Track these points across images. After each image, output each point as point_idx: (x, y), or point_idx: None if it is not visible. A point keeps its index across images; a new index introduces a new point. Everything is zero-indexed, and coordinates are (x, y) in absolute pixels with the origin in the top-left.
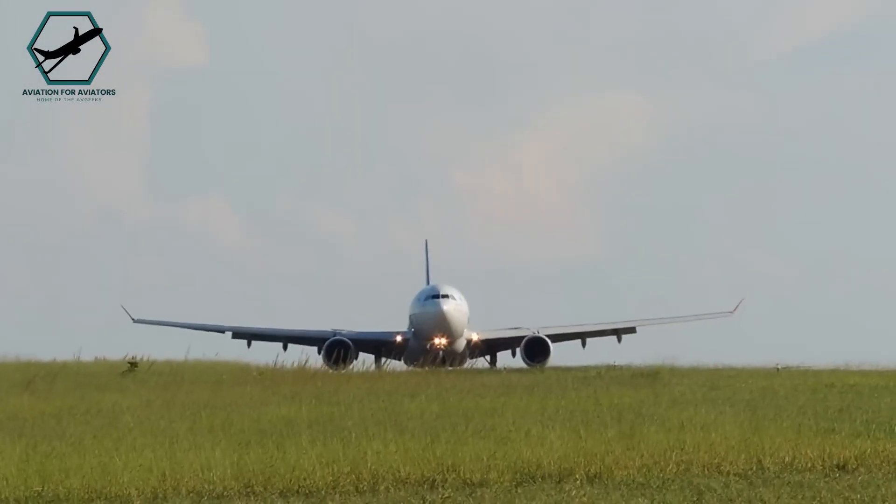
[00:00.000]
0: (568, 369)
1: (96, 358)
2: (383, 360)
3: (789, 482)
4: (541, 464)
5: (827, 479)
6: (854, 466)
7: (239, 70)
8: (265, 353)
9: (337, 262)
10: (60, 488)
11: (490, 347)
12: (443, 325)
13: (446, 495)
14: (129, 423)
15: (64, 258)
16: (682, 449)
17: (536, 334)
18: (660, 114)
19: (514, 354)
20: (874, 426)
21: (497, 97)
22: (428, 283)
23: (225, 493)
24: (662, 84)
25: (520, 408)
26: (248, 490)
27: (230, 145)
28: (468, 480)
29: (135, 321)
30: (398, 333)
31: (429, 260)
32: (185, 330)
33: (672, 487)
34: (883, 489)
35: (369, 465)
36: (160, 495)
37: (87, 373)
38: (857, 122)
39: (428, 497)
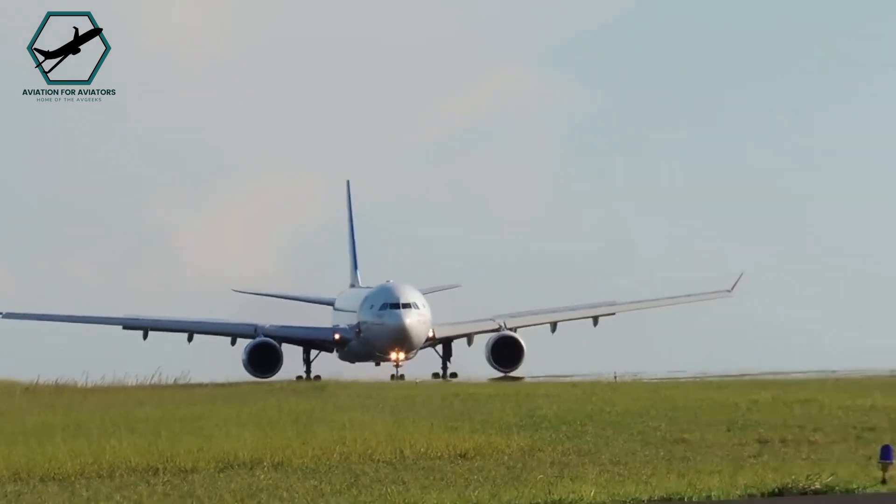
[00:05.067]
0: (260, 383)
1: None
2: (313, 354)
3: (424, 467)
4: (237, 455)
5: (452, 465)
6: (473, 455)
7: None
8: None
9: None
10: None
11: (444, 340)
12: (403, 340)
13: (166, 479)
14: None
15: None
16: (343, 443)
17: (505, 330)
18: None
19: (469, 342)
20: (488, 425)
21: None
22: (353, 237)
23: None
24: None
25: (222, 413)
26: (17, 477)
27: None
28: (182, 468)
29: (3, 316)
30: (335, 331)
31: (351, 202)
32: (60, 327)
33: (336, 472)
34: (493, 472)
35: (108, 457)
36: None
37: None
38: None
39: (152, 481)
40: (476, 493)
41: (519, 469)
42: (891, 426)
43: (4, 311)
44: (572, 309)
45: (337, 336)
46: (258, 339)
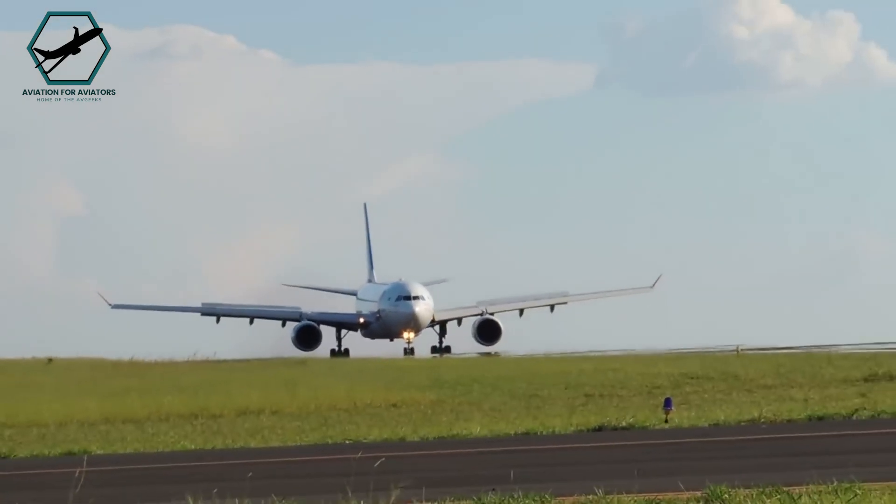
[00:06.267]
0: (263, 360)
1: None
2: (343, 332)
3: (369, 413)
4: (249, 406)
5: (387, 411)
6: (400, 405)
7: None
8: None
9: None
10: None
11: (441, 322)
12: (413, 323)
13: (203, 422)
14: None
15: None
16: (317, 398)
17: (487, 314)
18: None
19: (459, 324)
20: (410, 385)
21: None
22: (369, 245)
23: (94, 423)
24: None
25: (238, 379)
26: (106, 420)
27: None
28: (213, 415)
29: (113, 307)
30: (360, 316)
31: (368, 223)
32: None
33: (312, 417)
34: (414, 416)
35: (165, 408)
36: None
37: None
38: None
39: (194, 423)
40: (402, 430)
41: (430, 414)
42: (670, 385)
43: (113, 302)
44: (535, 298)
45: (362, 320)
46: (303, 323)
